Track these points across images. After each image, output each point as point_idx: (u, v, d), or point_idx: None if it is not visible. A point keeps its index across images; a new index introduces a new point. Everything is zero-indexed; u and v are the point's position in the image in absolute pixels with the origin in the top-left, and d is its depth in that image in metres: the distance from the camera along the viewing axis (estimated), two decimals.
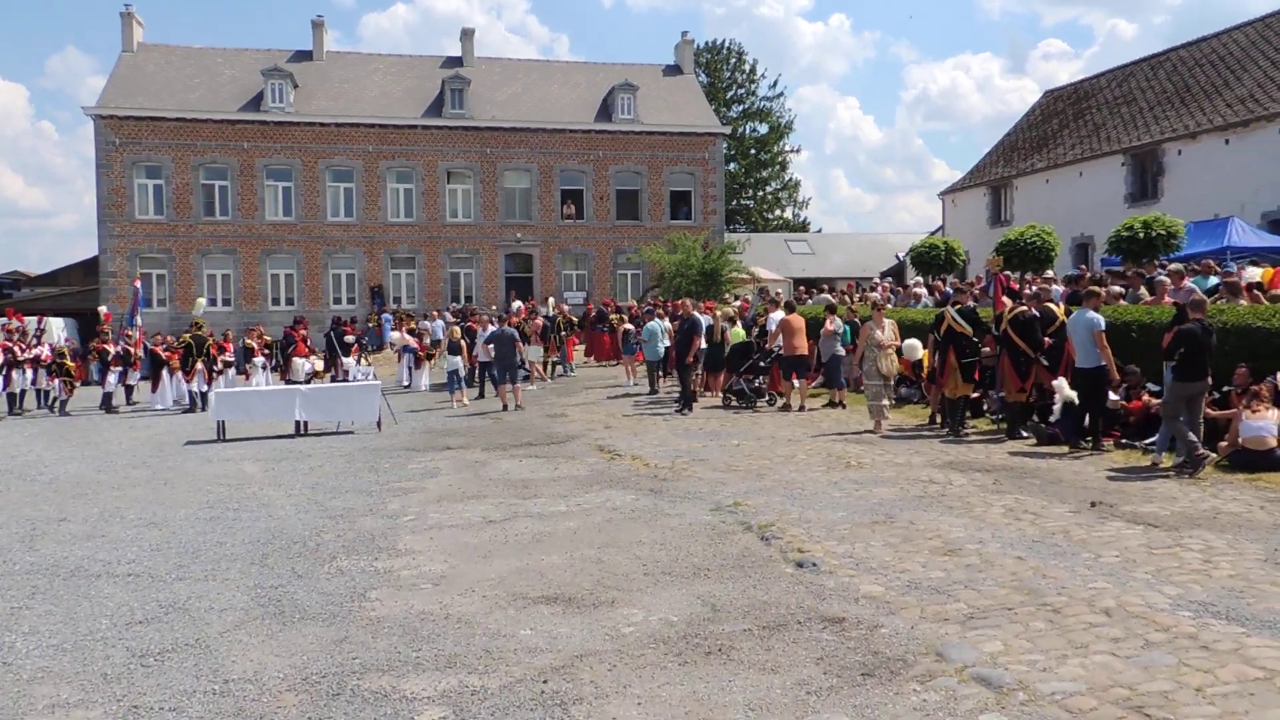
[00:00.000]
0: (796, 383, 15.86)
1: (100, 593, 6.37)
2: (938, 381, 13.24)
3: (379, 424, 15.06)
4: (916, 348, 15.43)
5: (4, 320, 24.01)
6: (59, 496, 10.17)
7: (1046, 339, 12.05)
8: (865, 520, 7.66)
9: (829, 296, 24.58)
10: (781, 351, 16.21)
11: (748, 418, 14.69)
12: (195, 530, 8.25)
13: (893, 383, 13.37)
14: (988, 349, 12.76)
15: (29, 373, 20.87)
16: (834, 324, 16.69)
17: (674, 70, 43.13)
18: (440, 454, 12.40)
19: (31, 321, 24.50)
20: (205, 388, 20.21)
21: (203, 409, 19.15)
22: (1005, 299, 12.99)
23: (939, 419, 13.39)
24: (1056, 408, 11.42)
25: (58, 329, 28.77)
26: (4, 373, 20.18)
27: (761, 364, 17.08)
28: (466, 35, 40.70)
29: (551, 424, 15.04)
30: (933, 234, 42.72)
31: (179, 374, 21.37)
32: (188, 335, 19.98)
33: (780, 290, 34.48)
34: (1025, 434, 11.92)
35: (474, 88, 37.73)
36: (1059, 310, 12.61)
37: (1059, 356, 11.91)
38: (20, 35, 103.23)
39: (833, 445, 11.65)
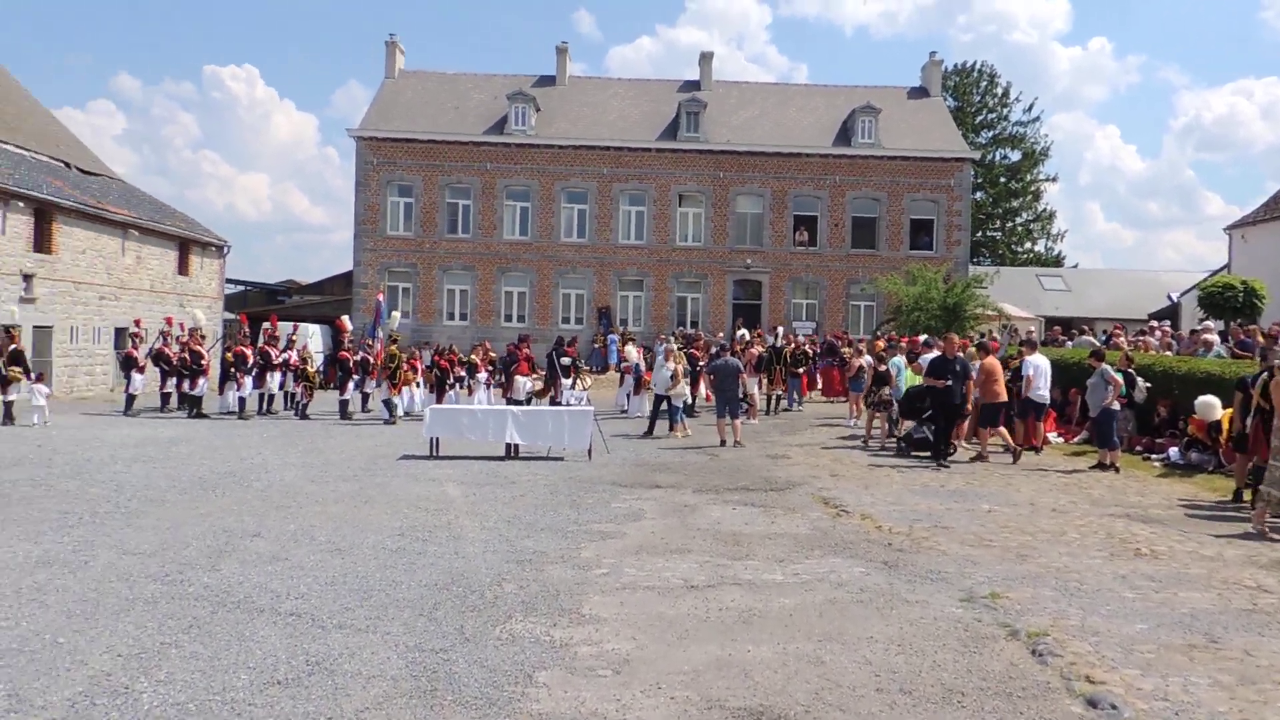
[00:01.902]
0: (1018, 434, 14.74)
1: (256, 634, 5.74)
2: (1248, 450, 10.83)
3: (589, 452, 14.34)
4: (1213, 406, 13.01)
5: (265, 325, 25.56)
6: (264, 506, 10.01)
7: None
8: (1177, 640, 5.83)
9: (1092, 339, 21.78)
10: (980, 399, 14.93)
11: (999, 478, 12.71)
12: (376, 563, 7.62)
13: None
14: None
15: (277, 376, 22.01)
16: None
17: (919, 92, 40.78)
18: (648, 492, 11.40)
19: (285, 327, 26.08)
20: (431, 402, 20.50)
21: (386, 419, 19.43)
22: None
23: (1247, 496, 10.92)
24: None
25: (309, 335, 30.43)
26: (254, 374, 21.35)
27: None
28: (705, 59, 40.35)
29: (772, 466, 13.72)
30: (1216, 273, 37.76)
31: (410, 385, 21.87)
32: (394, 348, 20.25)
33: (1033, 329, 31.37)
34: None
35: (710, 111, 37.20)
36: None
37: None
38: (314, 71, 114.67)
39: (1113, 523, 9.59)
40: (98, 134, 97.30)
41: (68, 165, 29.61)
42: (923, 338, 22.53)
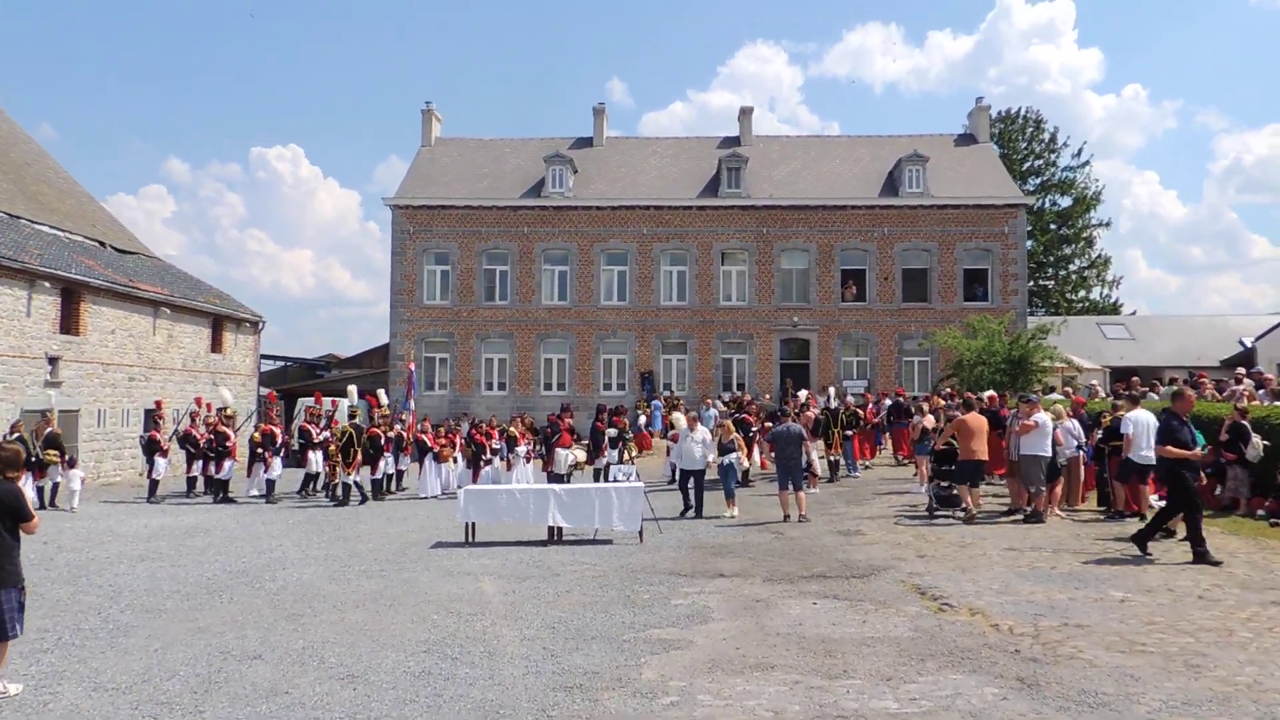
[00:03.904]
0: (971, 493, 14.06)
1: None
2: None
3: (641, 534, 12.91)
4: None
5: (308, 402, 24.37)
6: (273, 615, 8.70)
7: None
8: None
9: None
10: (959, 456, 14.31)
11: (1112, 555, 11.03)
12: (394, 696, 6.25)
13: None
14: None
15: (319, 454, 20.83)
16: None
17: (967, 139, 39.61)
18: (711, 583, 9.94)
19: (327, 403, 25.06)
20: (457, 483, 19.31)
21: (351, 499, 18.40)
22: None
23: None
24: None
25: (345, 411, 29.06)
26: (283, 453, 20.24)
27: (950, 468, 14.72)
28: (744, 114, 39.59)
29: (847, 545, 12.17)
30: None
31: (448, 463, 20.64)
32: (349, 425, 18.91)
33: (1095, 381, 29.42)
34: None
35: (751, 166, 36.25)
36: None
37: None
38: (356, 149, 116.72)
39: None
40: (150, 218, 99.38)
41: (102, 244, 29.25)
42: (981, 392, 20.88)
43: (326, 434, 20.96)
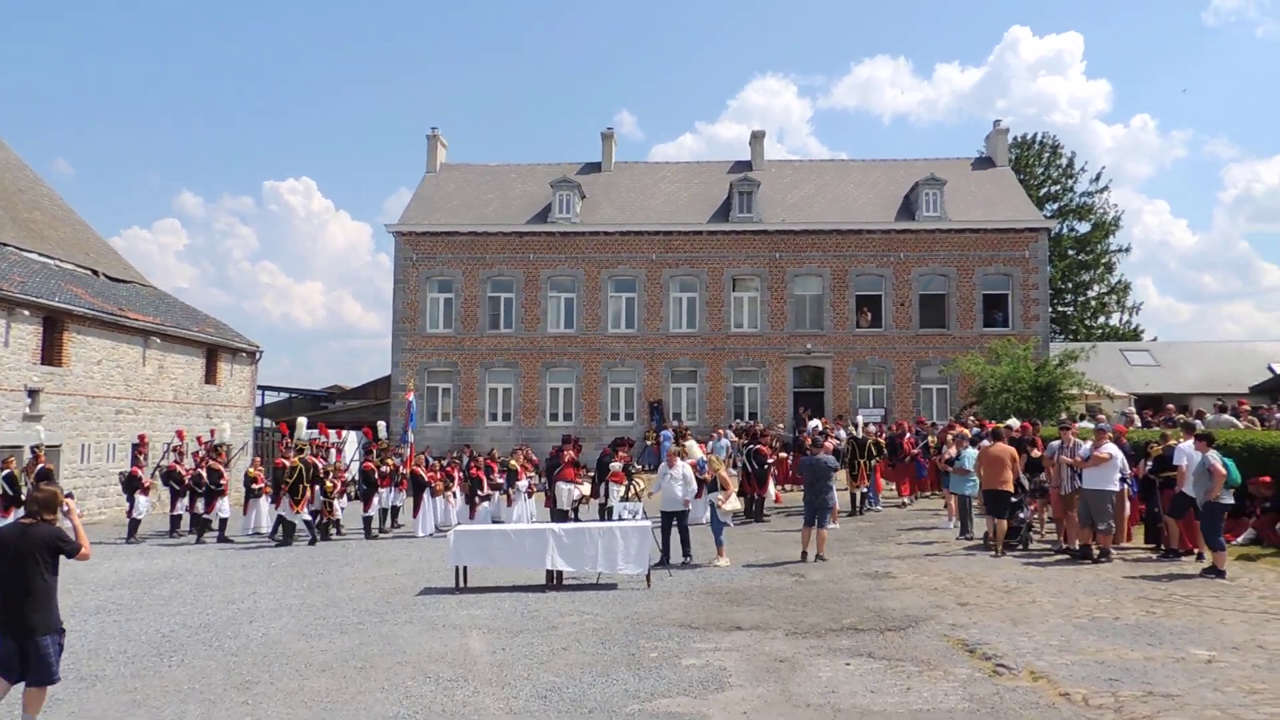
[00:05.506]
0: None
1: None
2: None
3: (648, 578, 11.74)
4: None
5: (313, 434, 23.09)
6: (225, 682, 7.57)
7: None
8: None
9: (1233, 419, 18.66)
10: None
11: (1182, 602, 9.80)
12: None
13: None
14: None
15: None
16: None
17: (985, 163, 38.56)
18: (726, 637, 8.77)
19: (332, 434, 23.96)
20: (457, 519, 18.17)
21: (309, 539, 17.39)
22: None
23: None
24: None
25: (351, 446, 27.52)
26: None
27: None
28: (756, 138, 38.67)
29: (877, 590, 10.96)
30: None
31: (442, 497, 19.56)
32: (297, 459, 17.78)
33: (1131, 408, 28.14)
34: None
35: (763, 190, 35.25)
36: None
37: None
38: (369, 181, 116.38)
39: None
40: (163, 251, 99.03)
41: (95, 273, 28.38)
42: (1007, 419, 19.67)
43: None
